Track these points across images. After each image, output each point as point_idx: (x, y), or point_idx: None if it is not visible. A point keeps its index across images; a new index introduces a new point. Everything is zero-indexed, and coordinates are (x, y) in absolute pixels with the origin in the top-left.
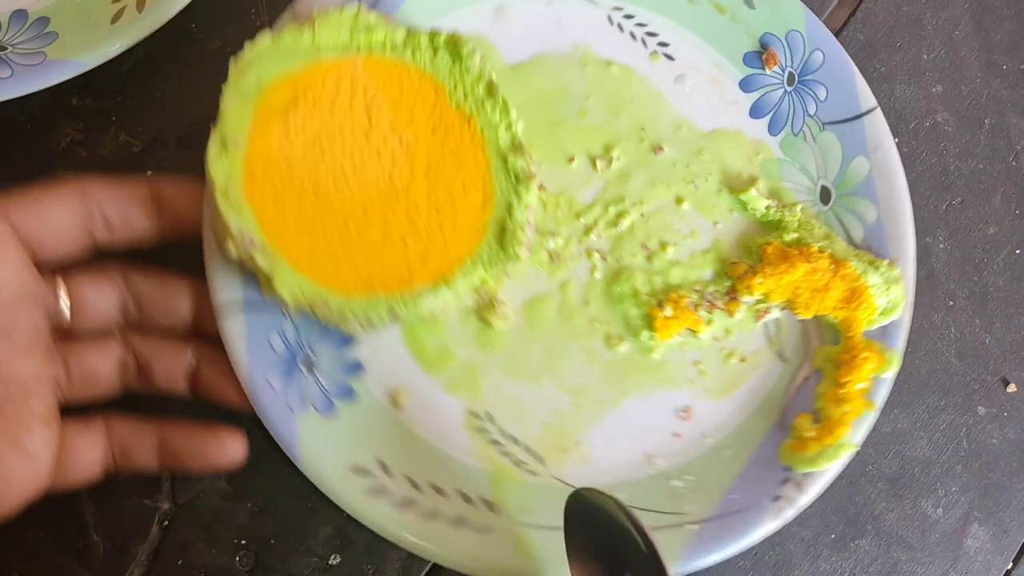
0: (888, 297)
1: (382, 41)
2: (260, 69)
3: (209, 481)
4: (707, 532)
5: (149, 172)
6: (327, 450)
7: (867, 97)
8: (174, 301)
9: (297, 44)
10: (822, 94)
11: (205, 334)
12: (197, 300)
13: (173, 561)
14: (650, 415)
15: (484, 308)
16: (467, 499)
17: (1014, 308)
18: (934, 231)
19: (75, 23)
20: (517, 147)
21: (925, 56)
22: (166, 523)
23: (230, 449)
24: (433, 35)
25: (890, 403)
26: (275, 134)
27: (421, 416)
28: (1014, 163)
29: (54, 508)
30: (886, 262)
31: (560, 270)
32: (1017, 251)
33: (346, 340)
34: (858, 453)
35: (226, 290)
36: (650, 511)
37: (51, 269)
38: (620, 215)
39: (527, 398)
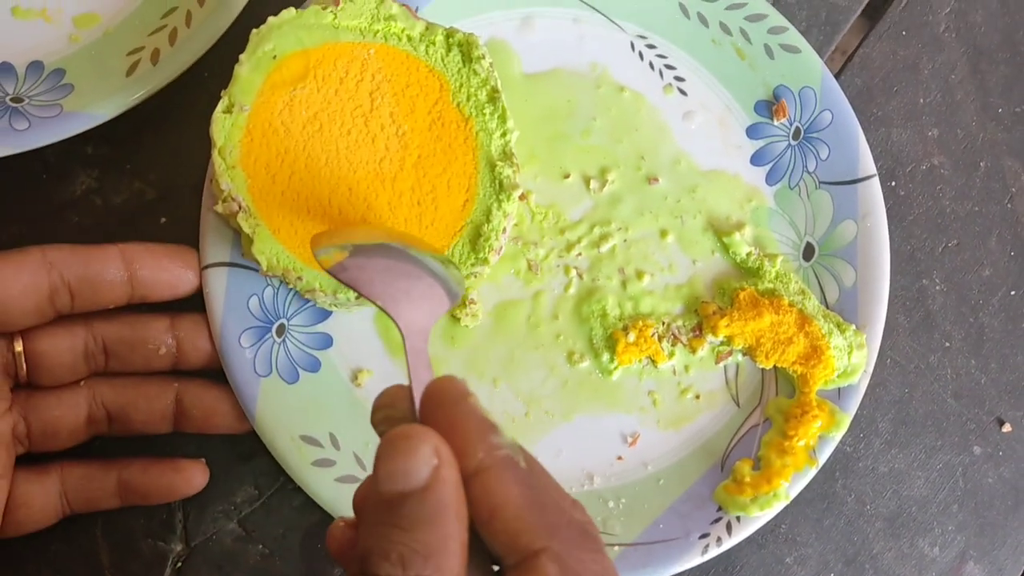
0: (848, 361)
1: (399, 32)
2: (279, 40)
3: (221, 523)
4: (631, 555)
5: (163, 219)
6: (284, 417)
7: (867, 164)
8: (150, 339)
9: (318, 21)
10: (824, 153)
11: (188, 368)
12: (177, 334)
13: None
14: (598, 435)
15: (456, 305)
16: None
17: (1009, 349)
18: (930, 273)
19: (90, 75)
20: (507, 156)
21: (921, 100)
22: (179, 564)
23: (192, 479)
24: (450, 33)
25: (888, 443)
26: (280, 104)
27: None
28: (1009, 205)
29: (70, 549)
30: (853, 327)
31: (536, 280)
32: (1012, 292)
33: (321, 314)
34: (856, 492)
35: (214, 250)
36: None
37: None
38: (604, 237)
39: (482, 398)
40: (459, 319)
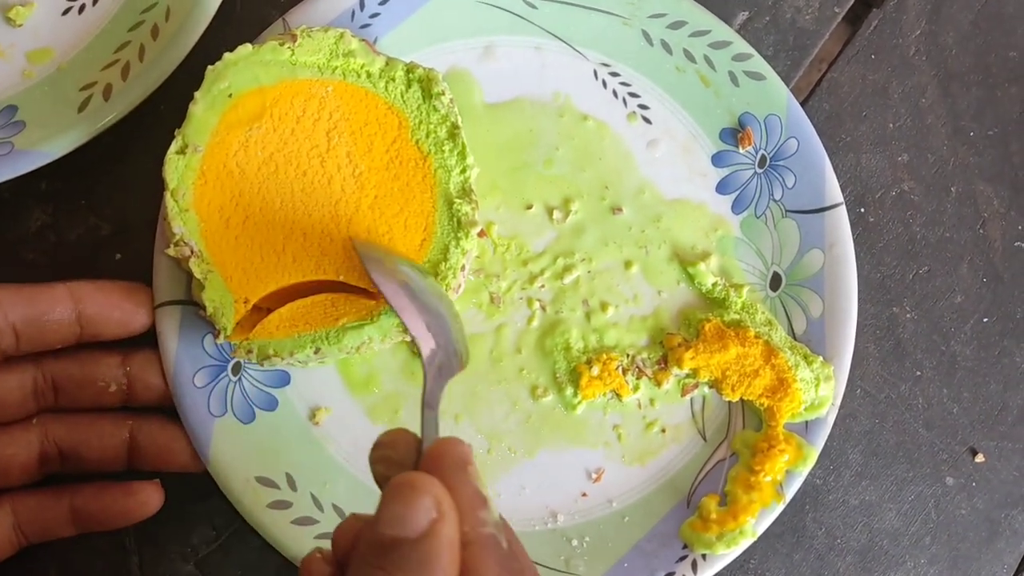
0: (816, 394)
1: (358, 68)
2: (235, 77)
3: (178, 565)
4: None
5: (118, 255)
6: (239, 458)
7: (834, 192)
8: (100, 376)
9: (275, 57)
10: (790, 181)
11: (140, 404)
12: (128, 371)
13: None
14: (561, 471)
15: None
16: None
17: (982, 377)
18: (901, 301)
19: (42, 112)
20: (466, 192)
21: (891, 125)
22: None
23: (146, 500)
24: (410, 68)
25: (858, 475)
26: (235, 145)
27: (337, 437)
28: (981, 231)
29: None
30: (820, 359)
31: (498, 313)
32: (985, 319)
33: None
34: (827, 526)
35: (168, 288)
36: (541, 565)
37: None
38: (567, 269)
39: (443, 435)
40: (419, 355)
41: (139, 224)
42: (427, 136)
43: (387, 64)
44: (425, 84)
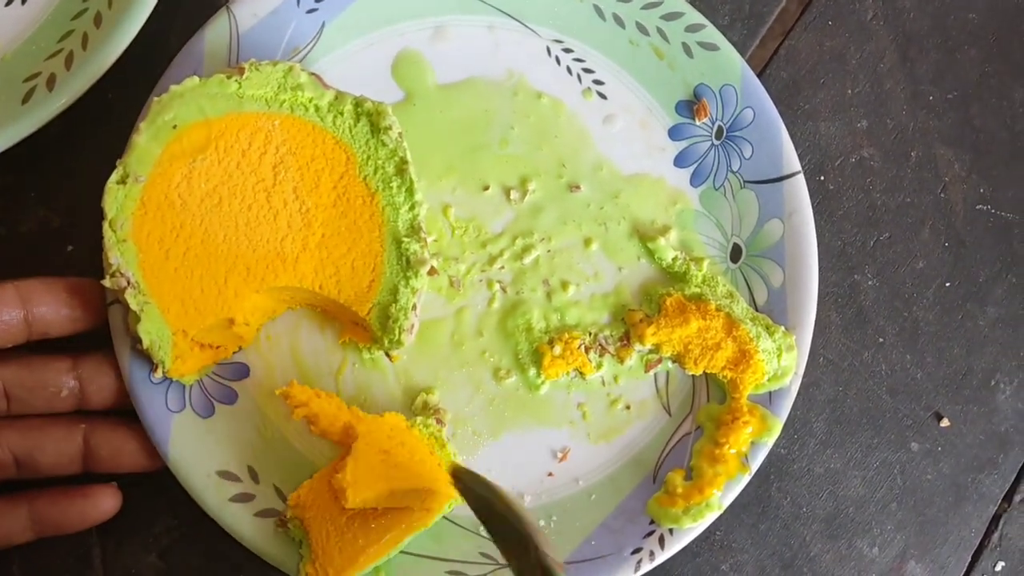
0: (778, 364)
1: (307, 102)
2: (180, 109)
3: (140, 556)
4: None
5: (70, 247)
6: (199, 453)
7: (791, 161)
8: (51, 382)
9: (222, 90)
10: (747, 151)
11: (94, 407)
12: (79, 374)
13: None
14: (527, 452)
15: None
16: None
17: (945, 342)
18: (862, 268)
19: None
20: (415, 230)
21: (850, 91)
22: None
23: (103, 504)
24: (359, 102)
25: (823, 443)
26: (178, 176)
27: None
28: (942, 195)
29: None
30: (782, 329)
31: (458, 296)
32: (947, 284)
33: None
34: (792, 495)
35: None
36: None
37: None
38: (526, 249)
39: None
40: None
41: (90, 215)
42: (375, 172)
43: (336, 98)
44: (374, 118)
